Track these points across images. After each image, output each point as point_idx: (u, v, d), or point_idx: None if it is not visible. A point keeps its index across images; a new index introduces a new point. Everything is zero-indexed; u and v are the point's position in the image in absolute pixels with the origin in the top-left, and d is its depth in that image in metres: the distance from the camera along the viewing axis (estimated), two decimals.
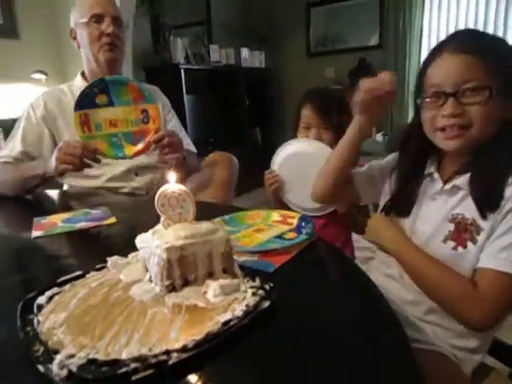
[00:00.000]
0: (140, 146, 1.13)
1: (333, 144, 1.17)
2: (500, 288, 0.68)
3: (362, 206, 1.19)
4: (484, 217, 0.72)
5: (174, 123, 1.53)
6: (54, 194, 1.34)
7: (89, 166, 1.12)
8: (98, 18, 1.29)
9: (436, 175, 0.83)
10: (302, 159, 1.19)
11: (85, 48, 1.35)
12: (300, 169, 1.18)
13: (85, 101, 1.09)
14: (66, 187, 1.42)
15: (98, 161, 1.11)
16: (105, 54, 1.32)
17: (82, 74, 1.43)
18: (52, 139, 1.34)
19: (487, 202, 0.72)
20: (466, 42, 0.75)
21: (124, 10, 2.59)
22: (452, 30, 0.83)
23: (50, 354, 0.43)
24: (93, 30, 1.29)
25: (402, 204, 0.87)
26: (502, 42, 0.77)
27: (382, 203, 0.95)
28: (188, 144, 1.48)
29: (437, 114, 0.76)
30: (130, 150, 1.13)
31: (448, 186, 0.79)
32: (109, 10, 1.31)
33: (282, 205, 1.25)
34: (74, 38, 1.38)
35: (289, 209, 1.19)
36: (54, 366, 0.40)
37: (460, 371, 0.76)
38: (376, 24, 4.21)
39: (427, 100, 0.77)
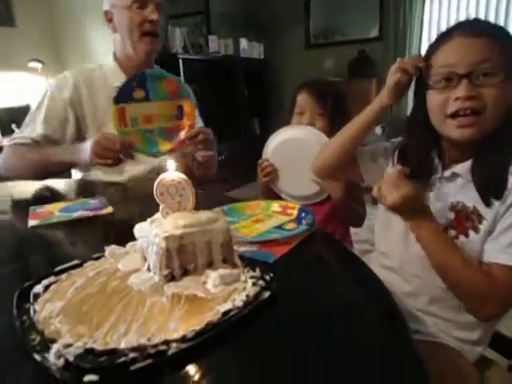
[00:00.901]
0: (174, 143, 1.10)
1: (326, 131, 1.17)
2: (510, 282, 0.68)
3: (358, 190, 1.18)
4: (488, 204, 0.71)
5: (201, 124, 1.46)
6: (61, 182, 1.31)
7: (122, 162, 1.08)
8: (141, 3, 1.19)
9: (436, 161, 0.81)
10: (294, 146, 1.17)
11: (122, 33, 1.24)
12: (292, 156, 1.17)
13: (123, 94, 1.05)
14: (74, 176, 1.38)
15: (132, 157, 1.07)
16: (145, 46, 1.23)
17: (114, 55, 1.32)
18: (76, 125, 1.25)
19: (490, 190, 0.71)
20: (479, 26, 0.74)
21: None
22: (453, 23, 0.81)
23: (46, 343, 0.42)
24: (134, 15, 1.19)
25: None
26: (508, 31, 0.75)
27: None
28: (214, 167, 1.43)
29: (448, 97, 0.71)
30: (163, 146, 1.09)
31: (447, 173, 0.78)
32: None
33: (271, 195, 1.24)
34: (110, 21, 1.26)
35: (279, 199, 1.17)
36: (51, 356, 0.40)
37: (464, 359, 0.76)
38: (376, 16, 4.17)
39: (437, 83, 0.73)
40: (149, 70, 1.09)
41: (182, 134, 1.09)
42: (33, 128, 1.23)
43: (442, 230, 0.75)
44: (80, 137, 1.26)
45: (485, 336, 0.79)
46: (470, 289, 0.71)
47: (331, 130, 1.18)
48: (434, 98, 0.75)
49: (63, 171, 1.21)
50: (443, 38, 0.75)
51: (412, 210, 0.73)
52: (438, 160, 0.81)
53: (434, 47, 0.76)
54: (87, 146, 1.07)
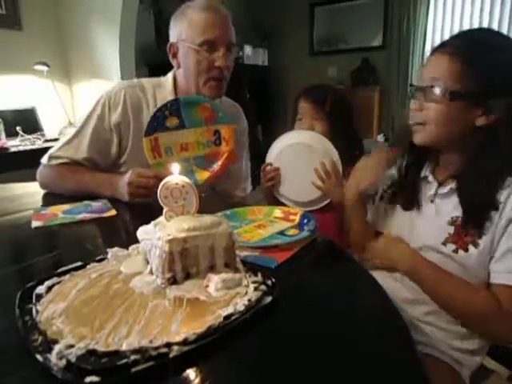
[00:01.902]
0: (211, 171, 1.04)
1: (326, 134, 1.18)
2: None
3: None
4: (479, 226, 0.72)
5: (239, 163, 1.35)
6: None
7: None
8: (210, 46, 1.08)
9: (431, 178, 0.83)
10: (297, 150, 1.17)
11: (187, 73, 1.13)
12: (295, 160, 1.16)
13: (155, 124, 0.99)
14: None
15: None
16: (210, 91, 1.12)
17: (174, 80, 1.20)
18: (118, 148, 1.18)
19: (474, 215, 0.73)
20: (456, 44, 0.75)
21: (128, 5, 2.60)
22: (456, 31, 0.83)
23: (48, 343, 0.42)
24: (202, 58, 1.08)
25: (405, 198, 0.87)
26: (499, 48, 0.74)
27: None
28: (244, 189, 1.39)
29: (410, 107, 0.80)
30: (201, 175, 1.03)
31: (445, 190, 0.79)
32: (225, 35, 1.09)
33: (275, 200, 1.23)
34: (174, 55, 1.15)
35: (281, 204, 1.17)
36: (53, 356, 0.40)
37: (458, 377, 0.76)
38: (380, 25, 4.19)
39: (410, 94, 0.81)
40: (182, 97, 1.04)
41: (220, 161, 1.03)
42: (76, 149, 1.16)
43: (434, 265, 0.77)
44: (120, 154, 1.20)
45: (483, 346, 0.78)
46: (476, 315, 0.73)
47: (331, 132, 1.20)
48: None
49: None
50: (430, 53, 0.80)
51: (405, 261, 0.80)
52: (432, 177, 0.83)
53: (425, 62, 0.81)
54: (124, 184, 1.00)
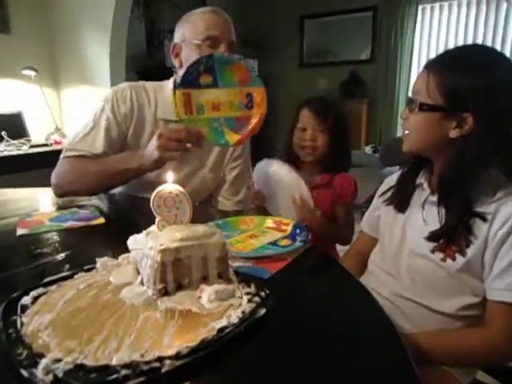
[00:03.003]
0: (241, 134, 0.99)
1: (326, 147, 1.20)
2: None
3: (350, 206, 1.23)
4: (466, 239, 0.73)
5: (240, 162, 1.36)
6: None
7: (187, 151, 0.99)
8: (212, 42, 1.12)
9: (425, 185, 0.84)
10: (274, 182, 1.13)
11: None
12: (272, 189, 1.13)
13: (189, 78, 0.94)
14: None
15: (201, 146, 0.97)
16: None
17: (175, 83, 1.23)
18: (123, 140, 1.20)
19: (451, 226, 0.75)
20: (440, 61, 0.79)
21: (119, 12, 2.59)
22: (442, 46, 0.86)
23: (34, 357, 0.40)
24: (204, 53, 1.09)
25: (399, 201, 0.89)
26: (476, 64, 0.75)
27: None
28: (239, 203, 1.37)
29: None
30: (232, 137, 0.98)
31: (435, 198, 0.80)
32: (226, 33, 1.15)
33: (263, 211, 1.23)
34: (177, 55, 1.21)
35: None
36: (39, 371, 0.38)
37: (457, 381, 0.76)
38: (368, 38, 4.28)
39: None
40: (217, 54, 1.01)
41: (251, 125, 0.99)
42: (93, 143, 1.16)
43: (436, 333, 0.78)
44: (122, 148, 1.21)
45: None
46: (478, 353, 0.74)
47: (331, 146, 1.21)
48: None
49: (128, 181, 1.12)
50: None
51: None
52: (426, 184, 0.84)
53: None
54: (150, 146, 1.00)
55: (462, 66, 0.74)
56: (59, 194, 1.15)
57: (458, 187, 0.74)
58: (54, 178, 1.16)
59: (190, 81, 0.94)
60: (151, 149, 0.98)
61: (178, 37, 1.21)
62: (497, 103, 0.71)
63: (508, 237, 0.70)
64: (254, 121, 0.99)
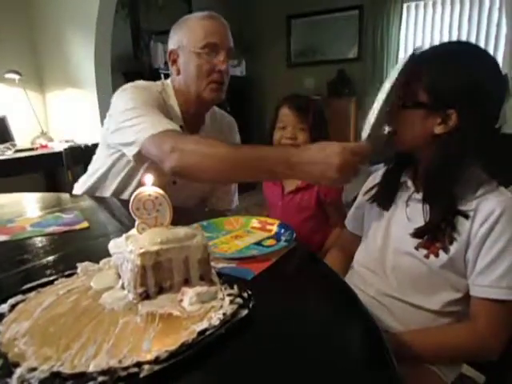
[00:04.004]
0: None
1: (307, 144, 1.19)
2: (506, 314, 0.70)
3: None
4: (450, 236, 0.74)
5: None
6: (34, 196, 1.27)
7: None
8: (211, 49, 1.08)
9: (409, 183, 0.85)
10: None
11: (188, 78, 1.12)
12: None
13: None
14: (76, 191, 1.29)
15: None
16: (212, 94, 1.11)
17: (173, 89, 1.18)
18: None
19: (434, 224, 0.75)
20: (425, 56, 0.78)
21: (104, 13, 2.57)
22: (427, 45, 0.87)
23: (9, 367, 0.39)
24: (204, 62, 1.08)
25: (384, 199, 0.89)
26: (465, 62, 0.75)
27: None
28: (232, 202, 1.39)
29: None
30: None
31: (419, 196, 0.81)
32: (225, 40, 1.10)
33: None
34: (174, 62, 1.15)
35: None
36: (13, 381, 0.37)
37: (440, 381, 0.76)
38: (355, 37, 4.30)
39: None
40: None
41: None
42: (159, 120, 0.99)
43: (421, 330, 0.78)
44: None
45: None
46: (466, 349, 0.74)
47: (312, 142, 1.21)
48: None
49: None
50: None
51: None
52: (410, 182, 0.84)
53: None
54: (321, 163, 0.75)
55: (446, 63, 0.74)
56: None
57: (442, 184, 0.75)
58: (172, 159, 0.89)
59: None
60: (326, 171, 0.74)
61: (173, 43, 1.15)
62: (479, 100, 0.71)
63: (489, 234, 0.70)
64: None
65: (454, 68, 0.73)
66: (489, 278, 0.70)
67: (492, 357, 0.72)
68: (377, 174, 0.96)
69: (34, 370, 0.39)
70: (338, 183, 0.78)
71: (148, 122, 0.97)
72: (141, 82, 1.17)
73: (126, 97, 1.08)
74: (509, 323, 0.71)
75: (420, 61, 0.77)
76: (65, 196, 1.31)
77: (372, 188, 0.93)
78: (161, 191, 0.55)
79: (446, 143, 0.74)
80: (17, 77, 2.54)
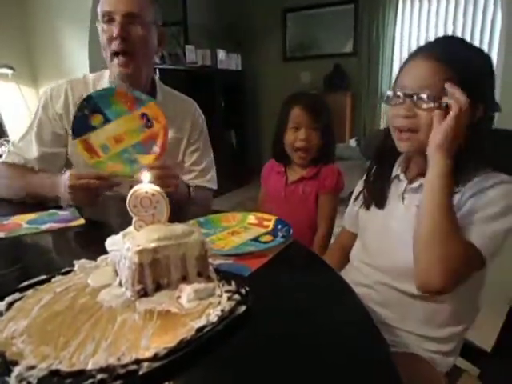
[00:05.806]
0: (154, 152, 0.98)
1: (320, 144, 1.21)
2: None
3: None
4: None
5: (196, 156, 1.29)
6: None
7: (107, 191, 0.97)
8: (109, 17, 1.04)
9: (402, 176, 0.85)
10: None
11: (103, 54, 1.12)
12: None
13: (80, 126, 0.94)
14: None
15: (117, 184, 0.95)
16: (116, 69, 1.08)
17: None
18: (65, 142, 1.15)
19: None
20: (440, 49, 0.76)
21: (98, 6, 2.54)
22: (422, 40, 0.85)
23: (7, 365, 0.39)
24: (104, 32, 1.06)
25: (377, 198, 0.89)
26: (475, 53, 0.76)
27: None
28: (207, 181, 1.31)
29: (396, 113, 0.77)
30: (145, 159, 0.97)
31: (415, 185, 0.81)
32: (121, 5, 1.03)
33: None
34: None
35: None
36: (12, 380, 0.37)
37: (434, 371, 0.77)
38: (350, 32, 4.28)
39: (391, 99, 0.78)
40: (94, 92, 0.98)
41: (159, 140, 0.98)
42: (27, 147, 1.14)
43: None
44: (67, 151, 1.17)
45: (456, 347, 0.80)
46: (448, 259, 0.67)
47: (322, 142, 1.22)
48: (388, 113, 0.82)
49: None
50: (410, 57, 0.78)
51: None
52: (403, 175, 0.85)
53: (401, 67, 0.80)
54: (65, 189, 0.93)
55: (463, 58, 0.74)
56: None
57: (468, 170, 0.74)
58: None
59: (82, 128, 0.95)
60: (66, 196, 0.94)
61: None
62: (491, 87, 0.75)
63: (476, 202, 0.70)
64: (160, 136, 0.98)
65: (468, 61, 0.74)
66: (482, 230, 0.68)
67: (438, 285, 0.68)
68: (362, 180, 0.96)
69: (32, 368, 0.39)
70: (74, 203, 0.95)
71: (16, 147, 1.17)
72: (74, 78, 1.19)
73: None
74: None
75: (443, 55, 0.73)
76: None
77: (360, 194, 0.93)
78: (158, 188, 0.55)
79: (475, 133, 0.72)
80: (10, 71, 2.51)
